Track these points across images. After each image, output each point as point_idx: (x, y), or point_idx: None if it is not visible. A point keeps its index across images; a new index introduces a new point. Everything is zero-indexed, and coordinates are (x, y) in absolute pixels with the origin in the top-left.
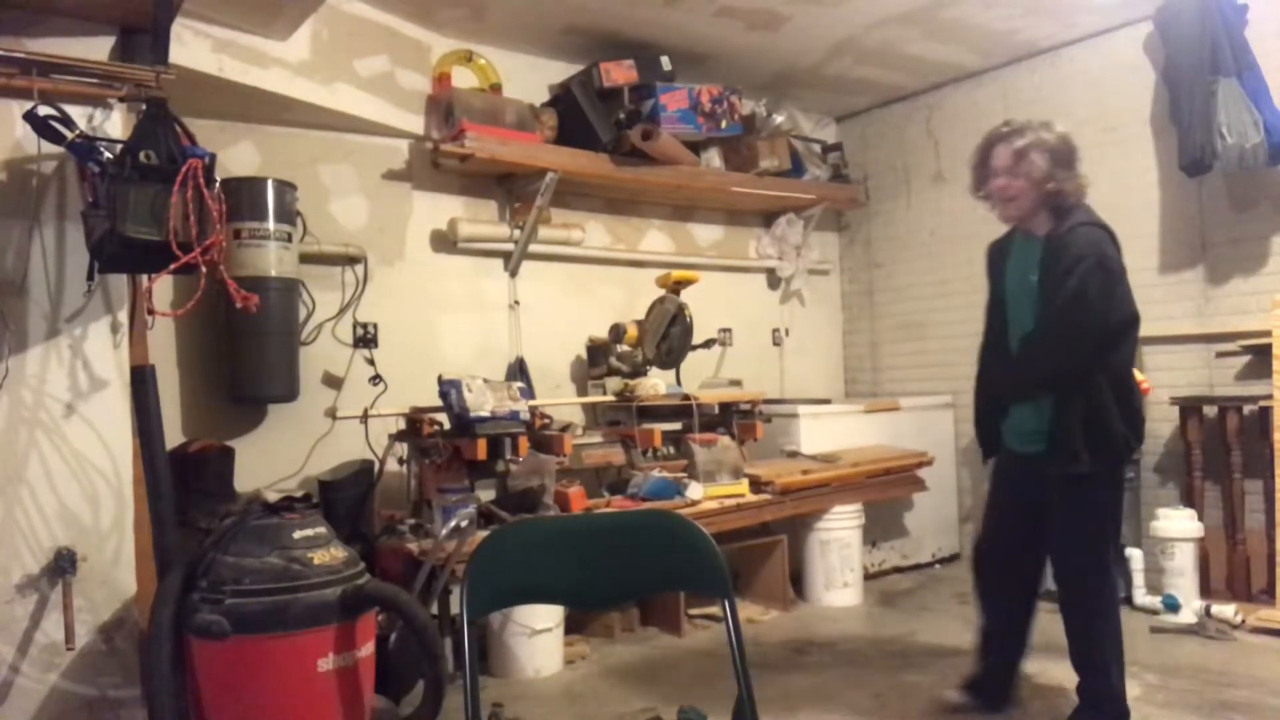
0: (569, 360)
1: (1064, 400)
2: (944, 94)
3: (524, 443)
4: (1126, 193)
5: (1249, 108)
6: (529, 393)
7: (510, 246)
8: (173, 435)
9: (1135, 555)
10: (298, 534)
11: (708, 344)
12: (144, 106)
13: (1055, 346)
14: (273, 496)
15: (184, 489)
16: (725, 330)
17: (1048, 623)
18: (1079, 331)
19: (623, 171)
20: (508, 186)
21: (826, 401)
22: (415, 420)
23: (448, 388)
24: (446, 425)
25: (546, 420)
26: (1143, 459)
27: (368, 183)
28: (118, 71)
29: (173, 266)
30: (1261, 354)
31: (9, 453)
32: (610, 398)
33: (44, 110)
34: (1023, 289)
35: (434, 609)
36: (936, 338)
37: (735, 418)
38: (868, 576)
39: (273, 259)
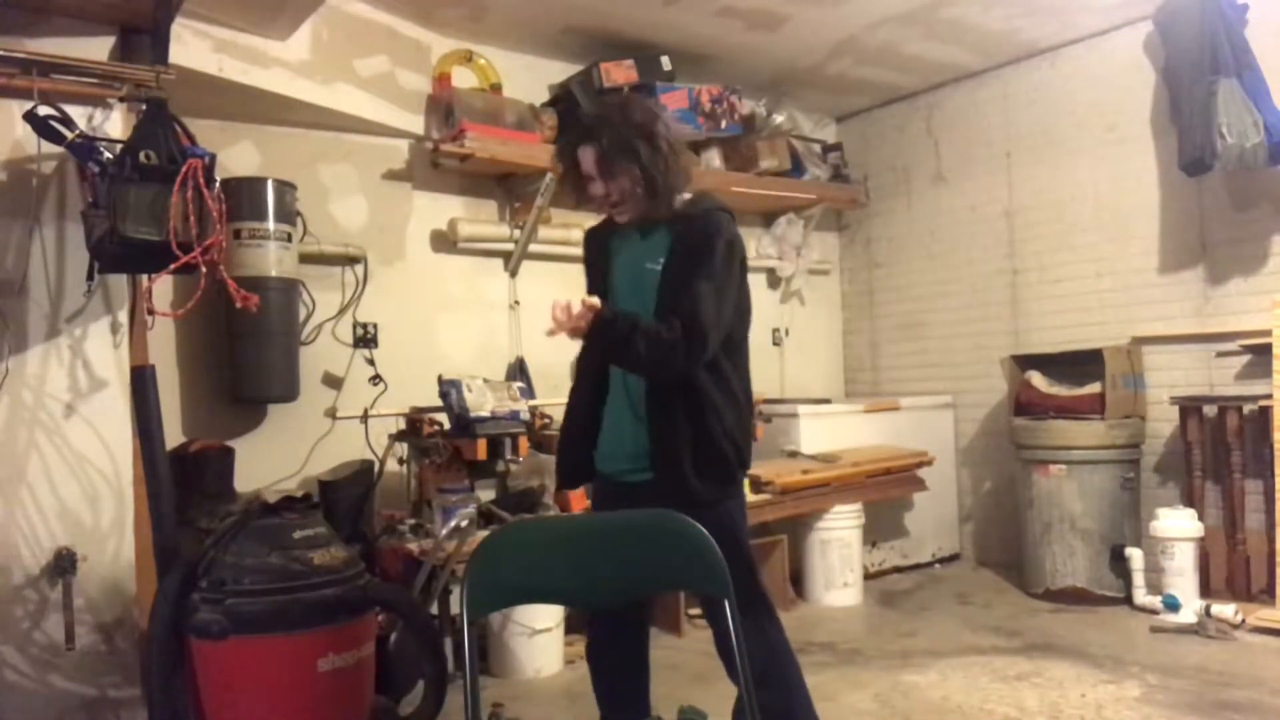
0: (569, 360)
1: (669, 409)
2: (944, 94)
3: (524, 443)
4: (1126, 193)
5: (1249, 108)
6: (529, 393)
7: (510, 246)
8: (173, 435)
9: (1135, 555)
10: (298, 534)
11: None
12: (144, 106)
13: (684, 333)
14: (273, 496)
15: (184, 489)
16: None
17: (1048, 622)
18: (713, 319)
19: None
20: (508, 186)
21: (826, 401)
22: (415, 420)
23: (448, 388)
24: (446, 425)
25: (546, 420)
26: (1143, 459)
27: (368, 183)
28: (118, 71)
29: (173, 266)
30: (1261, 354)
31: (9, 453)
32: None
33: (44, 110)
34: (640, 279)
35: (434, 609)
36: (936, 338)
37: None
38: (868, 576)
39: (273, 259)
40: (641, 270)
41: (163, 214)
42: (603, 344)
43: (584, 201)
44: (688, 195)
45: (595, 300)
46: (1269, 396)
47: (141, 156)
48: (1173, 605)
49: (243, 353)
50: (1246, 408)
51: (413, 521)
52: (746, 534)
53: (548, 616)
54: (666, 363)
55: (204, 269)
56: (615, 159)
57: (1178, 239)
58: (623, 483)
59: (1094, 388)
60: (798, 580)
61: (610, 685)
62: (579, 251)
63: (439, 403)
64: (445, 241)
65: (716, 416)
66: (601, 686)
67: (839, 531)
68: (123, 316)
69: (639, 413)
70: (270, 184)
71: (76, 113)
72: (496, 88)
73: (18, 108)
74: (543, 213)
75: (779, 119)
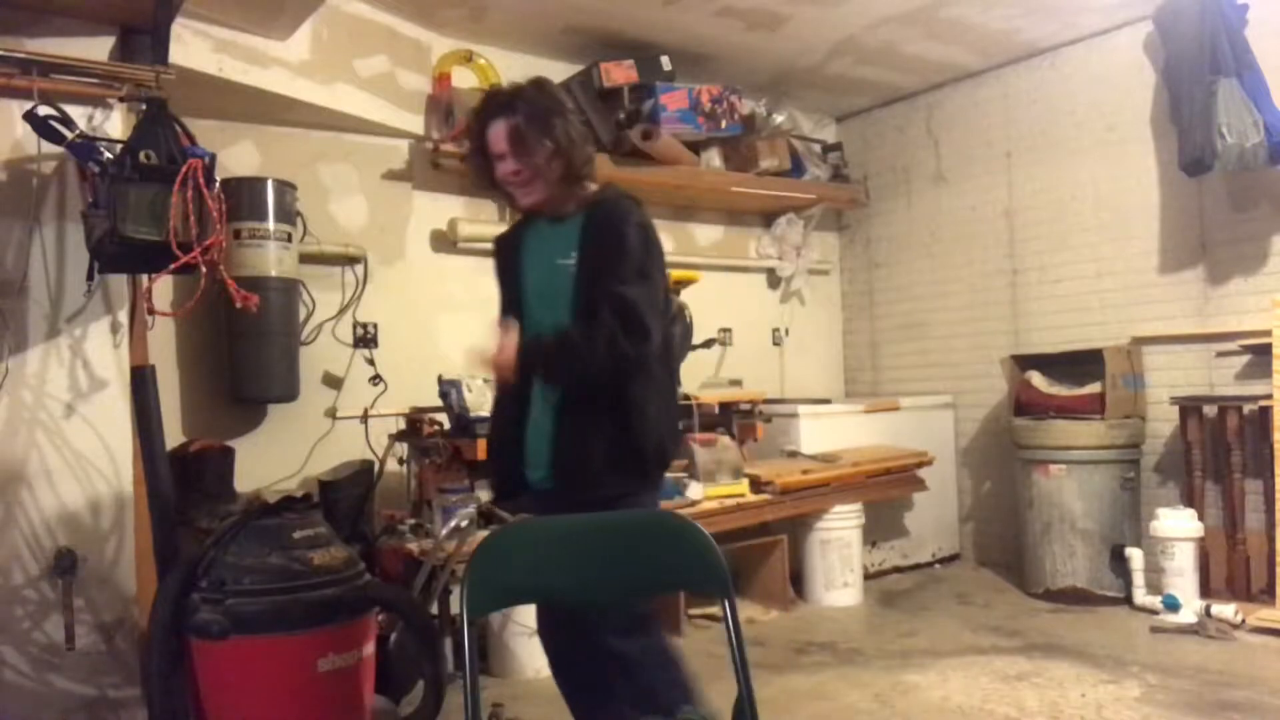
0: None
1: (588, 408)
2: (944, 94)
3: None
4: (1126, 193)
5: (1249, 108)
6: None
7: None
8: (173, 435)
9: (1135, 555)
10: (298, 534)
11: (708, 344)
12: (144, 106)
13: (622, 322)
14: (273, 496)
15: (184, 489)
16: (725, 330)
17: (1048, 622)
18: (647, 302)
19: (623, 171)
20: None
21: (826, 401)
22: (415, 420)
23: (448, 388)
24: (446, 425)
25: None
26: (1143, 459)
27: (368, 183)
28: (118, 71)
29: (173, 266)
30: (1261, 354)
31: (9, 453)
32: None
33: (44, 110)
34: (553, 278)
35: (434, 609)
36: (936, 338)
37: (735, 418)
38: (868, 576)
39: (273, 259)
40: (553, 267)
41: (163, 214)
42: (563, 362)
43: (489, 184)
44: (593, 186)
45: (511, 341)
46: (1269, 396)
47: (141, 156)
48: (1173, 605)
49: (243, 353)
50: (1246, 408)
51: (413, 521)
52: None
53: None
54: (623, 354)
55: (204, 269)
56: (530, 134)
57: (1178, 239)
58: (545, 490)
59: (1094, 388)
60: (798, 580)
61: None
62: None
63: (439, 403)
64: (445, 241)
65: (639, 412)
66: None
67: (839, 531)
68: (123, 316)
69: (558, 417)
70: (270, 184)
71: (76, 113)
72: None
73: (18, 108)
74: None
75: (779, 119)
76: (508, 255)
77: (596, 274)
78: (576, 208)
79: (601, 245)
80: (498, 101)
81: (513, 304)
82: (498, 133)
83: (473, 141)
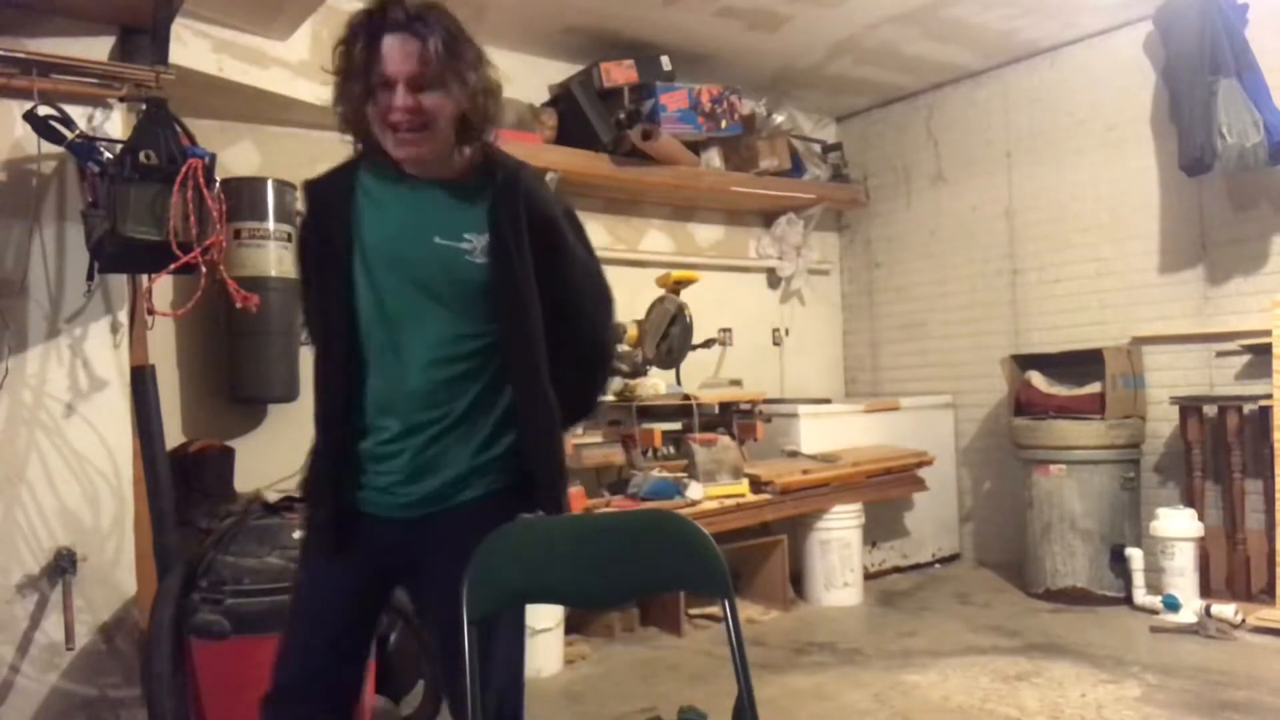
0: None
1: (543, 411)
2: (944, 94)
3: None
4: (1126, 193)
5: (1249, 108)
6: None
7: None
8: (173, 435)
9: (1135, 555)
10: (298, 534)
11: (708, 344)
12: (144, 106)
13: (600, 346)
14: (273, 496)
15: (184, 489)
16: (725, 330)
17: (1048, 622)
18: (610, 313)
19: (623, 171)
20: None
21: (826, 401)
22: None
23: None
24: None
25: None
26: (1143, 459)
27: None
28: (118, 71)
29: (173, 266)
30: (1261, 354)
31: (9, 453)
32: (610, 398)
33: (44, 110)
34: (441, 265)
35: None
36: (936, 338)
37: (735, 418)
38: (868, 576)
39: (273, 259)
40: (434, 248)
41: (163, 214)
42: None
43: (356, 118)
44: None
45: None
46: (1269, 396)
47: (141, 156)
48: (1173, 605)
49: (242, 353)
50: (1246, 408)
51: None
52: None
53: (548, 616)
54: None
55: (204, 269)
56: (448, 63)
57: (1178, 239)
58: (433, 512)
59: (1094, 388)
60: (798, 580)
61: None
62: None
63: None
64: None
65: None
66: None
67: (839, 531)
68: (123, 316)
69: (462, 429)
70: (270, 184)
71: (76, 113)
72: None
73: (18, 108)
74: None
75: (779, 119)
76: (336, 220)
77: (522, 269)
78: (464, 172)
79: (520, 238)
80: (406, 12)
81: (339, 299)
82: (403, 52)
83: (348, 60)
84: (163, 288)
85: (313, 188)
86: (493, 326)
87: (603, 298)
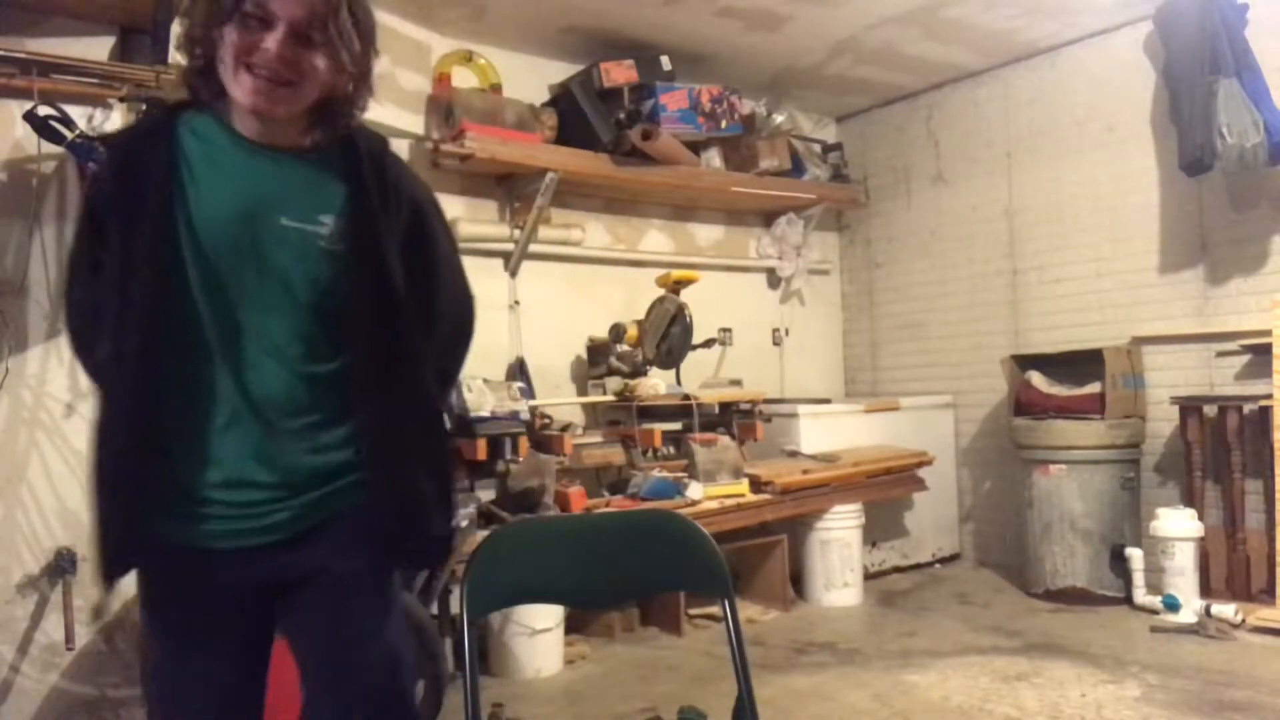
0: (569, 360)
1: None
2: (944, 94)
3: (524, 443)
4: (1126, 193)
5: (1249, 108)
6: (529, 393)
7: (510, 246)
8: None
9: (1135, 555)
10: None
11: (708, 344)
12: (144, 106)
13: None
14: None
15: None
16: (725, 330)
17: (1048, 622)
18: (471, 314)
19: (623, 171)
20: (508, 186)
21: (826, 401)
22: None
23: None
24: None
25: (546, 420)
26: (1143, 459)
27: None
28: (118, 71)
29: None
30: (1261, 354)
31: (9, 453)
32: (610, 398)
33: (44, 110)
34: (282, 246)
35: (434, 609)
36: (936, 338)
37: (735, 418)
38: (868, 576)
39: None
40: (282, 230)
41: None
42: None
43: (205, 41)
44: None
45: None
46: (1269, 396)
47: None
48: (1173, 605)
49: None
50: (1246, 408)
51: None
52: None
53: (548, 616)
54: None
55: None
56: (345, 20)
57: (1178, 239)
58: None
59: (1094, 388)
60: (798, 580)
61: None
62: (580, 251)
63: None
64: None
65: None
66: None
67: (839, 531)
68: None
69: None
70: None
71: (76, 113)
72: (496, 88)
73: (18, 108)
74: (543, 212)
75: (779, 119)
76: (151, 187)
77: (378, 257)
78: (316, 140)
79: (382, 223)
80: None
81: (152, 262)
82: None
83: None
84: None
85: (120, 147)
86: (350, 327)
87: (463, 296)
